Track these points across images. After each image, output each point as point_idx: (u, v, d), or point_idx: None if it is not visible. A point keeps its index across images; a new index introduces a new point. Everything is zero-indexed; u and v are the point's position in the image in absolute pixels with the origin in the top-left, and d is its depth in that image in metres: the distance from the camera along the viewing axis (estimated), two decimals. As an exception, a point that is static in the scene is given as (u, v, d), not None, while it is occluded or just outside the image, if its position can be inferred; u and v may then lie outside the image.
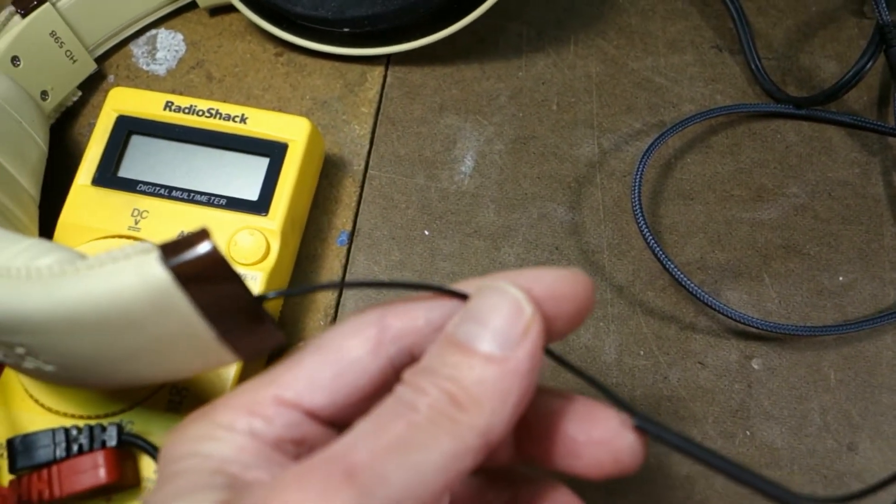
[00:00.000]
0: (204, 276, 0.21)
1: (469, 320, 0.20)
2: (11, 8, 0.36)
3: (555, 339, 0.22)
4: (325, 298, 0.37)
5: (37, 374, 0.26)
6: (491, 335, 0.20)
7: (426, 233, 0.38)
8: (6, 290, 0.22)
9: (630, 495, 0.33)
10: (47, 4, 0.37)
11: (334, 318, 0.36)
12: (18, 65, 0.36)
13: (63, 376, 0.25)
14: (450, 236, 0.38)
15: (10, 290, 0.22)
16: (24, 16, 0.37)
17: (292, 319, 0.36)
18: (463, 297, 0.22)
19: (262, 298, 0.22)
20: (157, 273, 0.21)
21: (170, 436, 0.21)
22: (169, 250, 0.21)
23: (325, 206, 0.39)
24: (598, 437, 0.22)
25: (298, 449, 0.21)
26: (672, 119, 0.40)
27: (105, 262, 0.22)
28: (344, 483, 0.17)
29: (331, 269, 0.38)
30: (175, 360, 0.23)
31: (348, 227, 0.38)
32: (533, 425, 0.23)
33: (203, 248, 0.21)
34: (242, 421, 0.20)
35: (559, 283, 0.22)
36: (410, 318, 0.22)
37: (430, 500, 0.18)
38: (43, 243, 0.24)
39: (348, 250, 0.38)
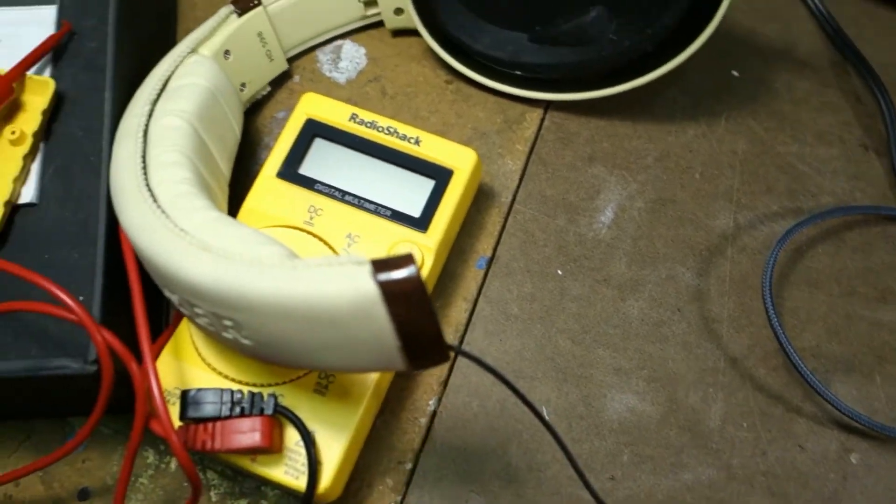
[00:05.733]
0: (404, 294, 0.24)
1: None
2: (230, 7, 0.41)
3: None
4: (458, 315, 0.40)
5: (230, 344, 0.30)
6: None
7: (559, 272, 0.41)
8: (231, 272, 0.26)
9: None
10: (260, 7, 0.41)
11: (463, 336, 0.40)
12: (228, 58, 0.40)
13: (254, 351, 0.29)
14: (580, 279, 0.41)
15: (235, 273, 0.26)
16: (240, 15, 0.41)
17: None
18: None
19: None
20: (367, 285, 0.24)
21: None
22: (379, 266, 0.24)
23: (470, 229, 0.42)
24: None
25: None
26: (809, 207, 0.42)
27: (322, 264, 0.25)
28: None
29: (467, 288, 0.41)
30: (356, 357, 0.27)
31: (488, 253, 0.41)
32: None
33: (408, 270, 0.24)
34: None
35: None
36: None
37: None
38: (260, 234, 0.28)
39: (485, 274, 0.41)
